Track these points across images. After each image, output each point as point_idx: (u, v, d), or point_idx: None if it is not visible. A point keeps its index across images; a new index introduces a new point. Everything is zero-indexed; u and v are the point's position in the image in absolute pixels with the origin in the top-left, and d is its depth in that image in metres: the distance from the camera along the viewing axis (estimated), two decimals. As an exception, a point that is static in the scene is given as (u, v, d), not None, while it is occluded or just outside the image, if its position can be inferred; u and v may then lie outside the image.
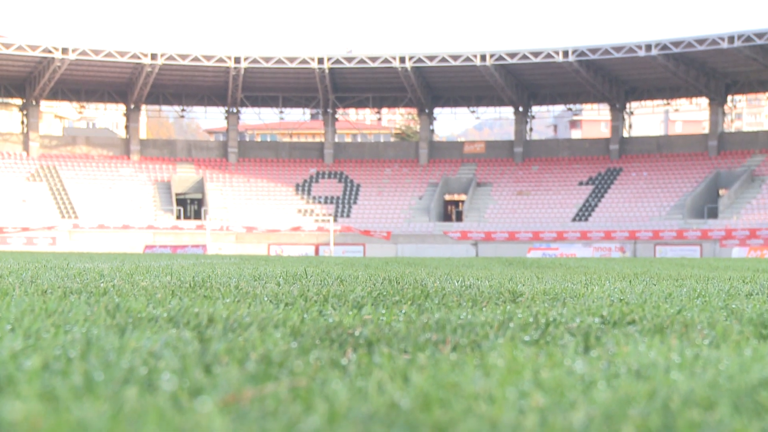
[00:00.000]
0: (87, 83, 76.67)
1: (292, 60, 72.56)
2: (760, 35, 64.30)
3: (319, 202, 76.50)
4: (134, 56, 70.62)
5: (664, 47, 67.17)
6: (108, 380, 2.21)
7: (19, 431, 1.40)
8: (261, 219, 73.19)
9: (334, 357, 2.81)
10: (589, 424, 1.79)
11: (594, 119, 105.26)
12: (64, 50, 69.41)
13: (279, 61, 72.55)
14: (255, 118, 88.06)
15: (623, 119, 79.01)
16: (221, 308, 4.47)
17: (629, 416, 1.88)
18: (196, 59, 71.66)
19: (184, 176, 78.41)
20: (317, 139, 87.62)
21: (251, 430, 1.64)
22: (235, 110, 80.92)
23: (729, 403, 2.02)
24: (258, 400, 2.01)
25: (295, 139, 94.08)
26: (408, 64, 71.86)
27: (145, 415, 1.66)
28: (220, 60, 72.00)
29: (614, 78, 75.36)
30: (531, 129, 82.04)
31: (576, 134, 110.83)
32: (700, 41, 66.28)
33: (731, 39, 65.24)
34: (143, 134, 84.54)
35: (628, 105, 79.21)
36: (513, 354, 2.82)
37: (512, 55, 70.00)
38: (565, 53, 69.11)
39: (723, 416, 1.87)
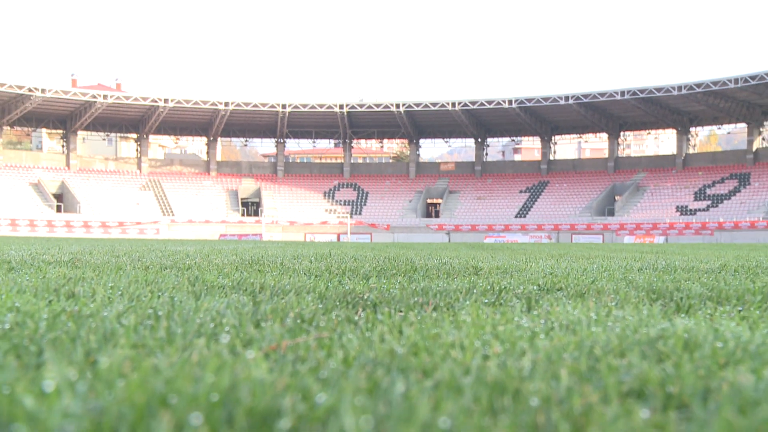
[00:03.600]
0: (180, 122, 76.71)
1: (321, 106, 72.56)
2: (642, 91, 64.93)
3: (340, 204, 76.49)
4: (213, 104, 70.63)
5: (578, 98, 67.38)
6: (184, 333, 2.12)
7: (111, 375, 1.30)
8: (299, 216, 73.21)
9: (349, 315, 2.71)
10: (535, 367, 1.69)
11: (530, 147, 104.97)
12: (165, 100, 69.49)
13: (312, 107, 72.56)
14: (296, 146, 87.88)
15: (550, 147, 79.01)
16: (269, 279, 4.37)
17: (564, 360, 1.78)
18: (255, 106, 71.64)
19: (246, 186, 78.42)
20: (339, 161, 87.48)
21: (286, 372, 1.54)
22: (282, 140, 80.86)
23: (637, 351, 1.91)
24: (293, 348, 1.91)
25: (323, 161, 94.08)
26: (402, 109, 71.85)
27: (207, 360, 1.56)
28: (272, 106, 71.94)
29: (543, 119, 75.35)
30: (486, 154, 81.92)
31: (517, 157, 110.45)
32: (602, 94, 66.65)
33: (623, 93, 65.66)
34: (219, 157, 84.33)
35: (553, 137, 79.17)
36: (477, 313, 2.72)
37: (473, 103, 70.00)
38: (510, 102, 69.13)
39: (633, 361, 1.76)
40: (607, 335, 2.16)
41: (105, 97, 68.30)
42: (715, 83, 61.55)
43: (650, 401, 1.42)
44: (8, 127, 74.02)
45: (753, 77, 59.76)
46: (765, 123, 70.04)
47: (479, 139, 79.63)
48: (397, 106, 71.74)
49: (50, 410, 1.04)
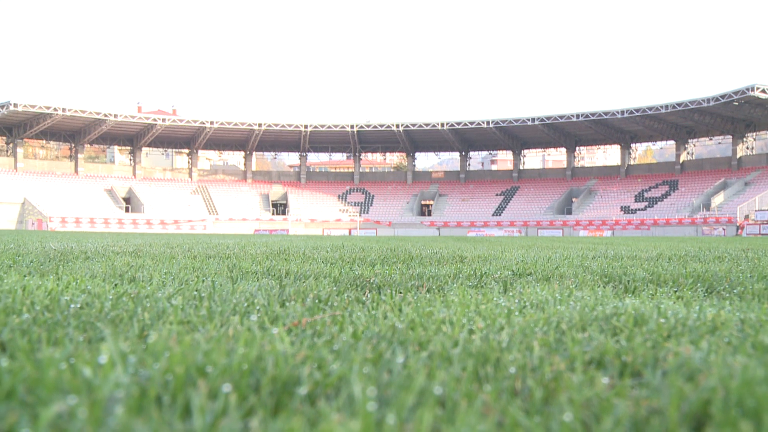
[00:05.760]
0: (223, 140, 76.63)
1: (336, 126, 72.44)
2: (593, 114, 64.96)
3: (351, 205, 76.38)
4: (248, 125, 70.53)
5: (542, 120, 67.20)
6: (222, 311, 2.06)
7: (158, 348, 1.25)
8: (318, 214, 73.14)
9: (358, 296, 2.65)
10: (512, 340, 1.63)
11: (504, 159, 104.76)
12: (211, 122, 69.41)
13: (329, 127, 72.43)
14: (315, 158, 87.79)
15: (520, 159, 78.76)
16: (293, 266, 4.31)
17: (536, 334, 1.72)
18: (283, 126, 71.53)
19: (276, 191, 78.33)
20: (350, 170, 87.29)
21: (305, 344, 1.49)
22: (304, 154, 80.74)
23: (595, 326, 1.85)
24: (311, 324, 1.85)
25: (337, 170, 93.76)
26: (400, 128, 71.71)
27: (240, 335, 1.50)
28: (296, 127, 71.82)
29: (515, 136, 75.14)
30: (469, 164, 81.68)
31: (494, 167, 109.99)
32: (561, 117, 66.52)
33: (578, 116, 65.63)
34: (254, 168, 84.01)
35: (522, 151, 78.94)
36: (463, 294, 2.66)
37: (458, 123, 69.84)
38: (488, 123, 68.94)
39: (593, 334, 1.70)
40: (570, 312, 2.10)
41: (163, 120, 68.47)
42: (650, 108, 61.77)
43: (609, 369, 1.36)
44: (88, 145, 74.38)
45: (679, 104, 60.00)
46: (689, 141, 70.41)
47: (463, 153, 79.51)
48: (397, 126, 71.65)
49: (104, 379, 0.99)
